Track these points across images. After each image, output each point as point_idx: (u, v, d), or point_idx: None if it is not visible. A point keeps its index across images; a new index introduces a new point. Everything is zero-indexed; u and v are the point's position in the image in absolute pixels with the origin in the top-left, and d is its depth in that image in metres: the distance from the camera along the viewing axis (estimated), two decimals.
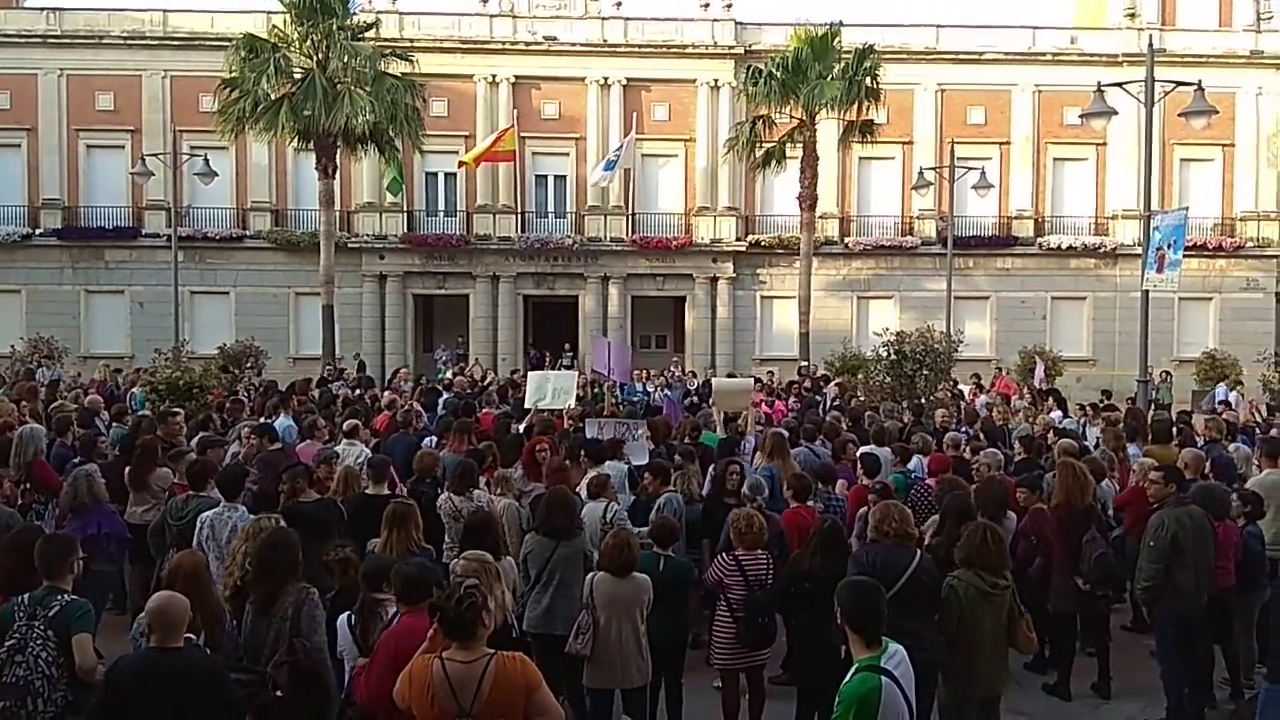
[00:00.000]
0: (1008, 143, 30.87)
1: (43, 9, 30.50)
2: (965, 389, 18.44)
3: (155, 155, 24.96)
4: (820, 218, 28.33)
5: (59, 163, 29.71)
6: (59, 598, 4.72)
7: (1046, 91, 30.52)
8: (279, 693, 4.69)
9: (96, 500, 7.34)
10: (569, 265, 30.24)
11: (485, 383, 18.62)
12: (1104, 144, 30.06)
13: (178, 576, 4.85)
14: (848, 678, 4.16)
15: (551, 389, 12.99)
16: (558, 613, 6.36)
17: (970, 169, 24.11)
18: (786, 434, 9.97)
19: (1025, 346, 25.61)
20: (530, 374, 15.30)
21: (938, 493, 7.72)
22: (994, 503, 7.14)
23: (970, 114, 30.75)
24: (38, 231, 29.49)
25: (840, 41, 25.28)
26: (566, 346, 27.14)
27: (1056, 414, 15.01)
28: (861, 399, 16.06)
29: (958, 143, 27.53)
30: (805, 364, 23.95)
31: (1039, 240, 30.79)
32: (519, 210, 30.18)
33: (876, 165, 30.79)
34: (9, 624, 4.59)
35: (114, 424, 11.63)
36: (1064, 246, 30.69)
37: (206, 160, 23.53)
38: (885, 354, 16.57)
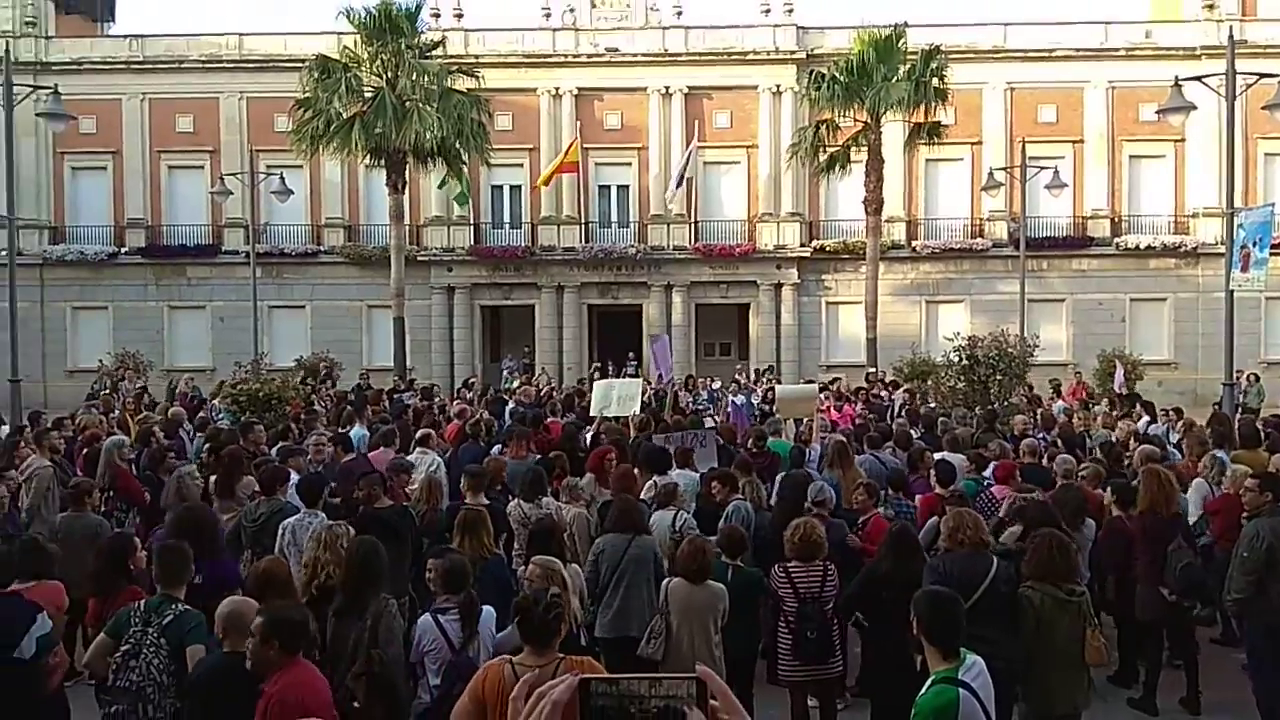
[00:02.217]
0: (1081, 141, 30.05)
1: (126, 36, 31.89)
2: (1045, 395, 17.98)
3: (233, 175, 25.83)
4: (886, 221, 27.96)
5: (142, 184, 30.94)
6: (174, 607, 4.83)
7: (1121, 87, 29.64)
8: (355, 703, 4.79)
9: (182, 500, 7.57)
10: (632, 274, 30.37)
11: (544, 395, 18.77)
12: (1182, 140, 29.05)
13: (261, 582, 4.99)
14: (924, 690, 4.09)
15: (616, 396, 13.03)
16: (632, 613, 6.40)
17: (1042, 169, 23.54)
18: (848, 441, 9.85)
19: (1104, 350, 24.85)
20: (595, 383, 15.39)
21: (1010, 501, 7.52)
22: (1071, 510, 6.95)
23: (1041, 112, 30.03)
24: (123, 250, 30.73)
25: (905, 43, 24.96)
26: (631, 355, 27.23)
27: (1145, 420, 14.45)
28: (932, 405, 15.76)
29: (1029, 142, 26.87)
30: (873, 370, 23.62)
31: (1116, 240, 29.88)
32: (583, 221, 30.42)
33: (944, 167, 30.28)
34: (125, 628, 4.73)
35: (198, 434, 12.04)
36: (1142, 246, 29.73)
37: (282, 178, 24.27)
38: (957, 359, 16.24)
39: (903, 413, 15.17)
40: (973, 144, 29.90)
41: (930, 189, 30.61)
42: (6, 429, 13.23)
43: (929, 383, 18.19)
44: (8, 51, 17.63)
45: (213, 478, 8.50)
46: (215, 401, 15.82)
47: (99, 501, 8.49)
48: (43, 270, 29.90)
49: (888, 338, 26.25)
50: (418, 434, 10.69)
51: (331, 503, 7.90)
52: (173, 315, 30.95)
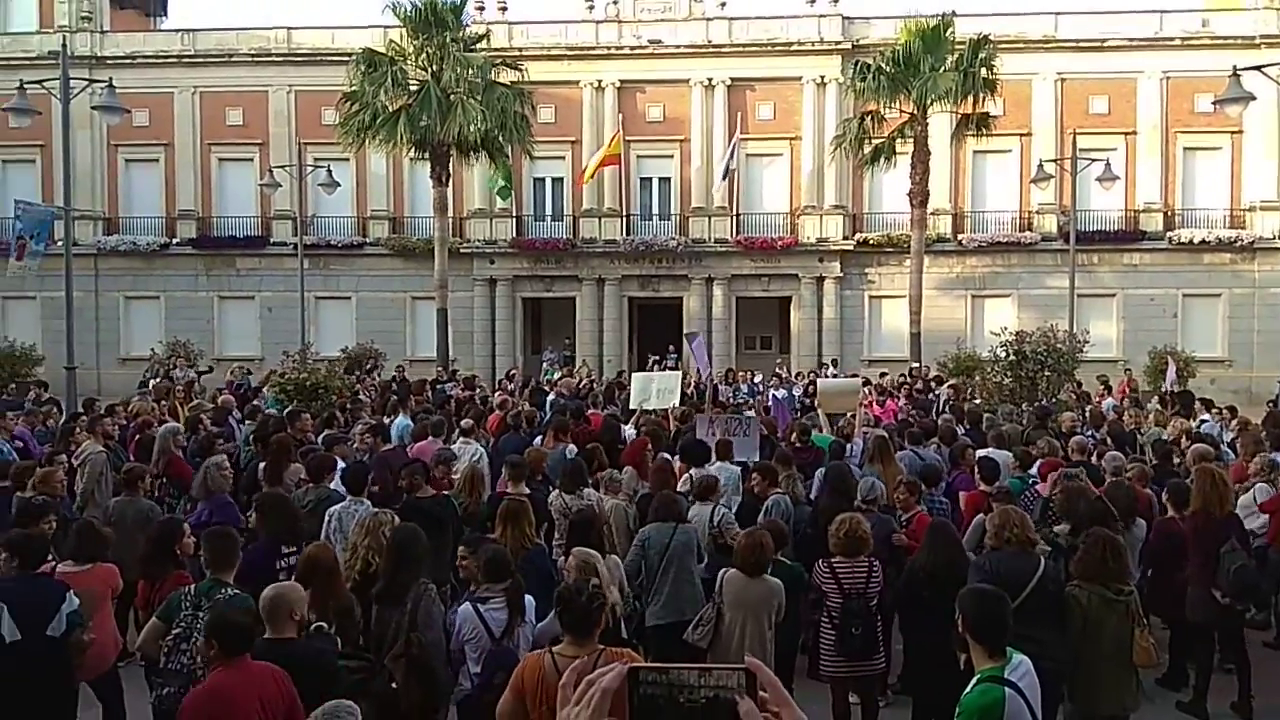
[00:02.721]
0: (1133, 133, 29.35)
1: (177, 30, 32.47)
2: (1094, 391, 17.64)
3: (282, 167, 26.26)
4: (932, 214, 27.58)
5: (193, 176, 31.54)
6: (223, 590, 4.93)
7: (1175, 78, 28.90)
8: (394, 684, 4.86)
9: (209, 491, 7.73)
10: (673, 267, 30.32)
11: (585, 387, 18.84)
12: (1239, 132, 28.26)
13: (309, 568, 5.07)
14: (969, 688, 4.03)
15: (655, 389, 13.07)
16: (684, 599, 6.44)
17: (1093, 161, 23.01)
18: (889, 437, 9.74)
19: (1155, 346, 24.37)
20: (635, 375, 15.43)
21: (1059, 499, 7.38)
22: (1122, 509, 6.81)
23: (1093, 103, 29.38)
24: (175, 241, 31.36)
25: (953, 33, 24.56)
26: (671, 348, 27.19)
27: (1204, 418, 14.07)
28: (978, 401, 15.53)
29: (1079, 133, 26.28)
30: (916, 365, 23.35)
31: (1169, 234, 29.16)
32: (624, 213, 30.43)
33: (992, 159, 29.76)
34: (176, 612, 4.83)
35: (246, 422, 12.26)
36: (1196, 241, 28.98)
37: (329, 171, 24.58)
38: (1004, 354, 15.98)
39: (947, 408, 14.97)
40: (1022, 135, 29.36)
41: (977, 181, 30.13)
42: (63, 414, 13.58)
43: (975, 378, 17.93)
44: (64, 46, 18.04)
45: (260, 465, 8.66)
46: (265, 390, 16.12)
47: (152, 487, 8.70)
48: (97, 260, 30.62)
49: (932, 332, 25.92)
50: (461, 424, 10.80)
51: (372, 491, 8.02)
52: (222, 305, 31.54)
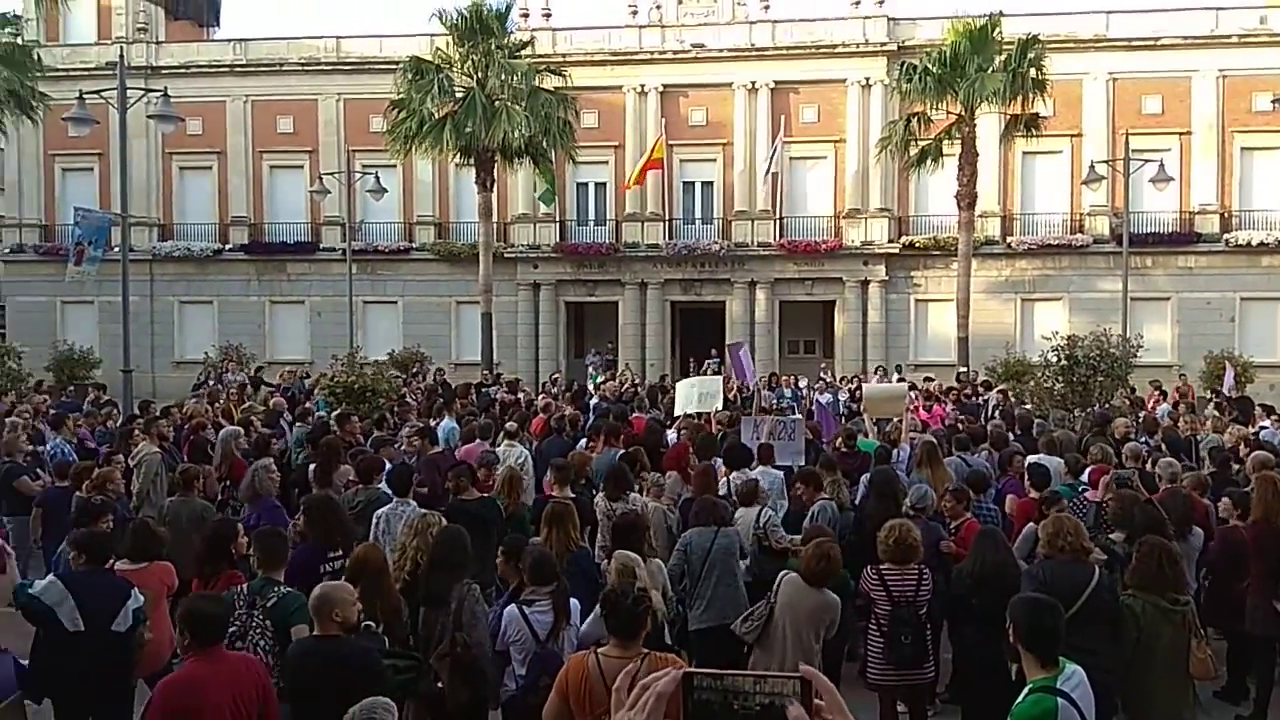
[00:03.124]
0: (1188, 133, 28.67)
1: (230, 40, 33.21)
2: (1147, 396, 17.25)
3: (331, 174, 26.70)
4: (980, 216, 27.19)
5: (245, 183, 32.20)
6: (276, 589, 5.03)
7: (1232, 76, 28.18)
8: (439, 684, 4.90)
9: (256, 494, 7.88)
10: (716, 271, 30.26)
11: (627, 391, 18.88)
12: None
13: (358, 568, 5.14)
14: (1020, 698, 3.97)
15: (698, 394, 13.03)
16: (727, 602, 6.42)
17: (1147, 161, 22.57)
18: (937, 443, 9.60)
19: (1211, 351, 23.74)
20: (678, 384, 15.43)
21: (1113, 506, 7.23)
22: (1179, 518, 6.65)
23: (1146, 103, 28.76)
24: (227, 247, 32.05)
25: (1000, 33, 24.22)
26: (713, 352, 27.13)
27: (1263, 424, 13.68)
28: (1028, 406, 15.27)
29: (1132, 134, 25.77)
30: (964, 369, 23.04)
31: (1225, 236, 28.42)
32: (667, 217, 30.45)
33: (1042, 160, 29.26)
34: (230, 610, 4.90)
35: (297, 424, 12.48)
36: (1254, 243, 28.19)
37: (377, 178, 24.95)
38: (1055, 359, 15.69)
39: (996, 414, 14.74)
40: (1072, 136, 28.83)
41: (1027, 183, 29.65)
42: (120, 416, 13.94)
43: (1025, 383, 17.62)
44: (122, 57, 18.52)
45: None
46: (315, 393, 16.40)
47: (209, 487, 8.89)
48: (152, 266, 31.39)
49: (980, 337, 25.54)
50: (505, 427, 10.89)
51: (419, 492, 8.11)
52: (273, 309, 32.14)
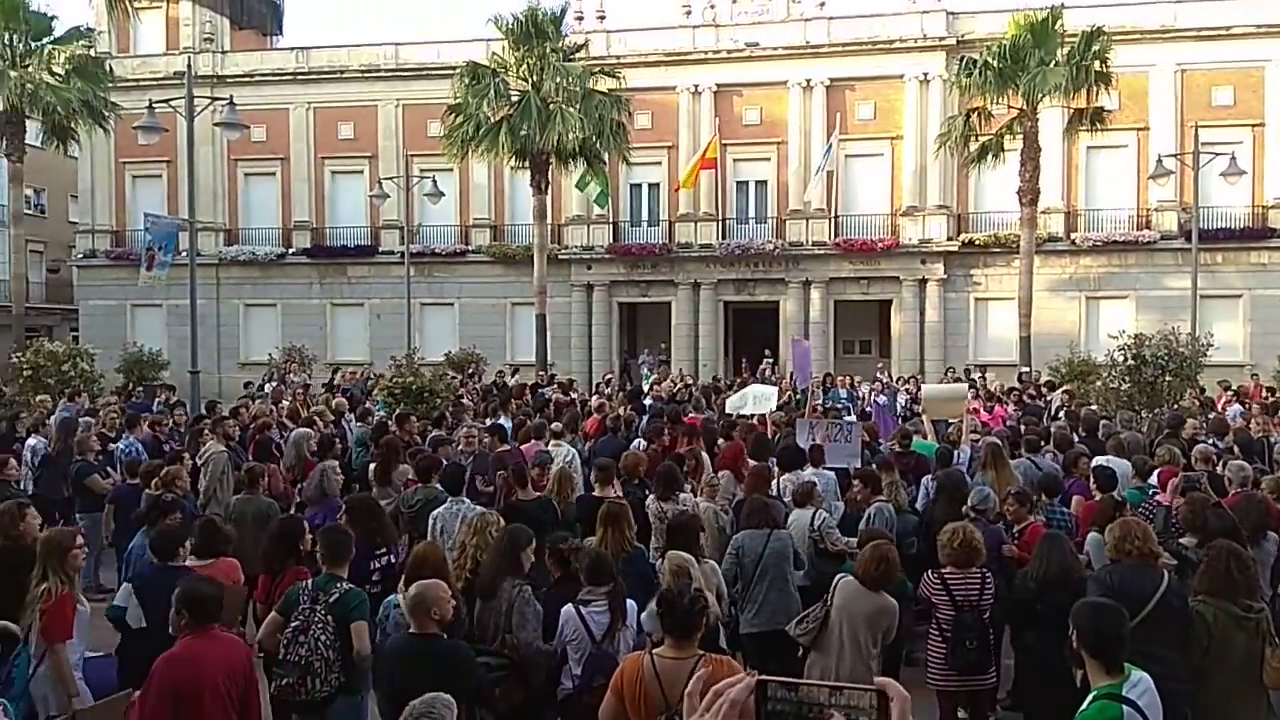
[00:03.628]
0: (1261, 124, 27.67)
1: (292, 49, 33.99)
2: (1219, 397, 16.70)
3: (390, 179, 27.18)
4: (1042, 213, 26.59)
5: (308, 188, 32.94)
6: (338, 585, 5.12)
7: None
8: None
9: (324, 494, 8.04)
10: (769, 270, 30.09)
11: (680, 391, 18.86)
12: None
13: (418, 565, 5.22)
14: (1084, 706, 3.87)
15: (752, 396, 13.02)
16: (779, 607, 6.37)
17: (1217, 155, 21.82)
18: (1001, 444, 9.40)
19: None
20: (732, 392, 15.44)
21: (1184, 510, 7.01)
22: (1253, 524, 6.42)
23: (1216, 95, 27.84)
24: (290, 251, 32.82)
25: (1063, 25, 23.65)
26: (767, 352, 26.98)
27: None
28: (1093, 407, 14.89)
29: (1201, 126, 24.98)
30: (1026, 369, 22.55)
31: None
32: (720, 217, 30.37)
33: (1106, 155, 28.50)
34: (295, 605, 5.04)
35: (358, 424, 12.73)
36: None
37: (434, 182, 25.32)
38: (1121, 358, 15.28)
39: (1061, 415, 14.39)
40: (1139, 130, 28.05)
41: (1091, 178, 28.91)
42: (187, 416, 14.35)
43: (1095, 384, 17.17)
44: (189, 67, 19.11)
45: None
46: (375, 393, 16.70)
47: (290, 490, 9.11)
48: (218, 270, 32.27)
49: (1043, 336, 24.99)
50: (551, 427, 10.95)
51: (486, 491, 8.20)
52: (334, 312, 32.81)
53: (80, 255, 34.35)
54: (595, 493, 7.93)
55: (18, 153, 24.83)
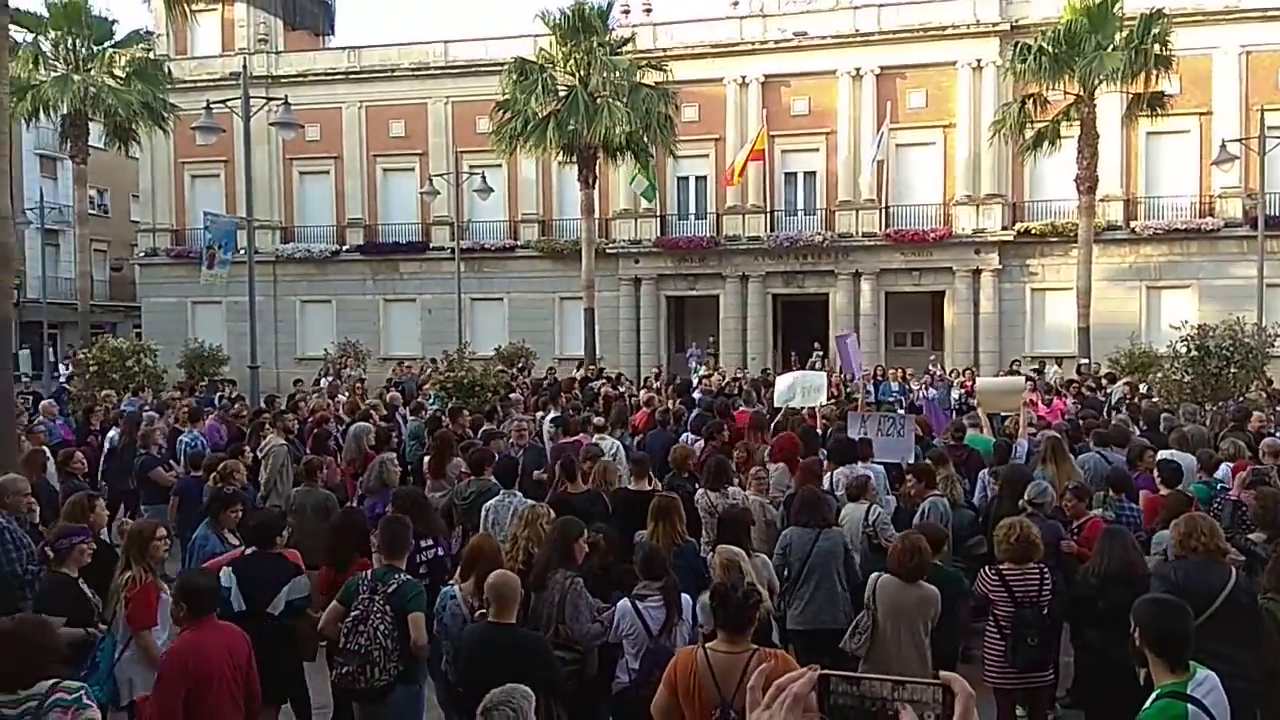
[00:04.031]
0: None
1: (344, 48, 34.52)
2: None
3: (440, 175, 27.49)
4: (1101, 201, 25.97)
5: (360, 186, 33.45)
6: (397, 576, 5.22)
7: None
8: None
9: (384, 485, 8.17)
10: (818, 262, 29.82)
11: (728, 384, 18.81)
12: None
13: (473, 557, 5.29)
14: (1148, 704, 3.79)
15: (800, 388, 12.86)
16: (822, 607, 6.31)
17: None
18: (1062, 437, 9.19)
19: None
20: (779, 377, 15.27)
21: (1255, 506, 6.80)
22: None
23: None
24: (344, 248, 33.37)
25: (1121, 8, 23.04)
26: (816, 345, 26.76)
27: None
28: (1155, 400, 14.52)
29: (1268, 110, 24.12)
30: (1085, 361, 22.07)
31: None
32: (768, 209, 30.18)
33: (1167, 140, 27.72)
34: (354, 596, 5.14)
35: (411, 418, 12.91)
36: None
37: (484, 178, 25.54)
38: (1184, 349, 14.88)
39: (1121, 408, 14.06)
40: (1201, 114, 27.23)
41: (1151, 165, 28.16)
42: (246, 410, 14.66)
43: (1157, 376, 16.73)
44: (245, 68, 19.48)
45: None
46: (426, 388, 16.92)
47: (349, 483, 9.28)
48: (275, 267, 32.93)
49: (1102, 326, 24.41)
50: (594, 421, 10.98)
51: (538, 483, 8.26)
52: (387, 307, 33.31)
53: (142, 254, 35.32)
54: (631, 486, 7.94)
55: (81, 154, 25.59)
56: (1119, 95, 23.59)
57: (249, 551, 5.84)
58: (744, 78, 29.99)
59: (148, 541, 5.52)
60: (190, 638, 4.55)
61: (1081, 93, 23.34)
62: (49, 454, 9.77)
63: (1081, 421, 11.59)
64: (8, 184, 8.57)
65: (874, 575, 5.86)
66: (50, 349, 31.98)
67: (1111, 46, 22.61)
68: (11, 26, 9.78)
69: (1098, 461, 8.90)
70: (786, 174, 30.64)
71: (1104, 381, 18.06)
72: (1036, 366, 22.75)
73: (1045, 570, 6.05)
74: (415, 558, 6.26)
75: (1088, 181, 23.99)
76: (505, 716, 3.55)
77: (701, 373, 22.26)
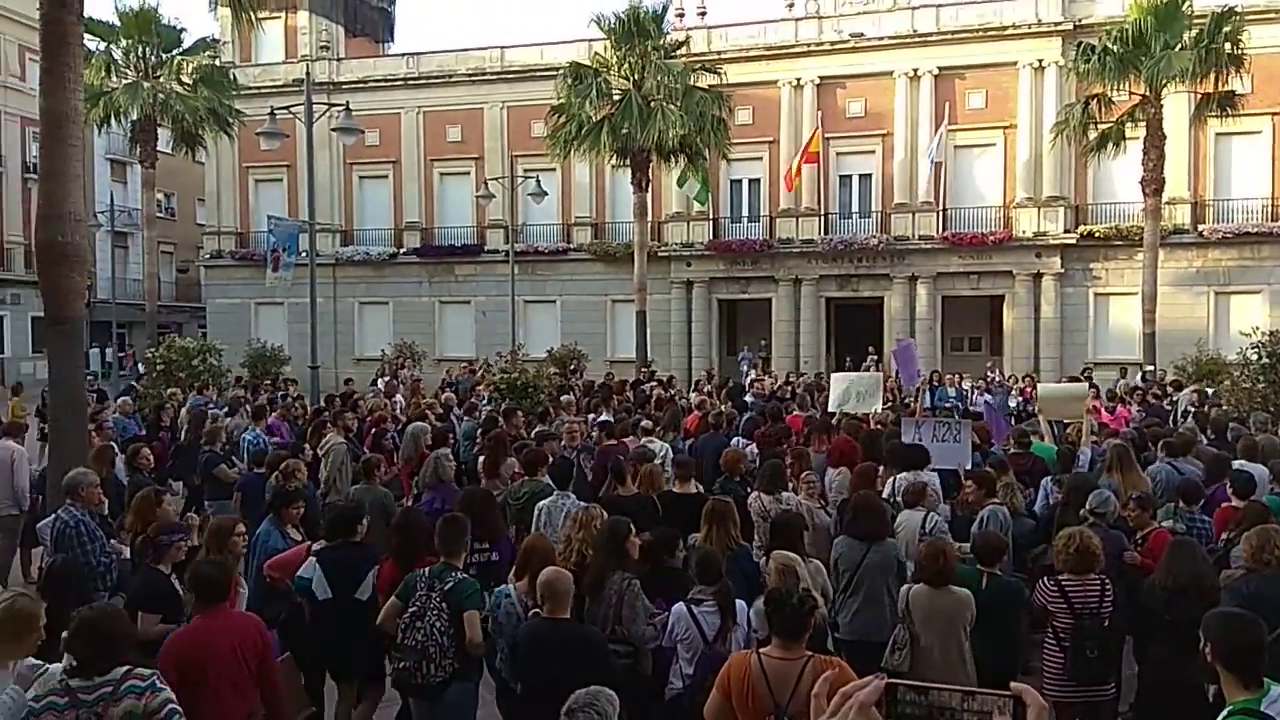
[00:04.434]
0: None
1: (403, 55, 35.07)
2: None
3: (495, 179, 27.77)
4: (1167, 203, 25.27)
5: (418, 190, 33.96)
6: (453, 574, 5.29)
7: None
8: None
9: (439, 480, 8.28)
10: (873, 266, 29.49)
11: (780, 389, 18.67)
12: None
13: (527, 556, 5.33)
14: None
15: (855, 392, 12.72)
16: (870, 620, 6.22)
17: None
18: (1129, 446, 8.94)
19: None
20: (834, 376, 15.08)
21: None
22: None
23: None
24: (401, 251, 33.91)
25: (1190, 6, 22.42)
26: (870, 349, 26.46)
27: None
28: (1224, 408, 14.08)
29: None
30: (1150, 368, 21.49)
31: None
32: (822, 212, 29.93)
33: (1238, 141, 26.85)
34: (413, 592, 5.23)
35: (466, 418, 13.06)
36: None
37: (538, 181, 25.76)
38: (1255, 356, 14.42)
39: (1189, 416, 13.65)
40: (1273, 114, 26.32)
41: (1221, 166, 27.31)
42: (307, 410, 14.98)
43: (1223, 384, 16.24)
44: (308, 74, 19.93)
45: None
46: (480, 389, 17.10)
47: (406, 482, 9.43)
48: (335, 269, 33.58)
49: (1168, 332, 23.74)
50: (641, 424, 10.97)
51: (589, 484, 8.29)
52: (442, 309, 33.76)
53: (207, 256, 36.28)
54: (675, 489, 7.92)
55: (150, 159, 26.40)
56: (1187, 95, 22.96)
57: (321, 545, 5.99)
58: (799, 80, 29.80)
59: (228, 536, 5.73)
60: (193, 626, 4.69)
61: (1148, 93, 22.75)
62: (117, 449, 10.09)
63: (1146, 430, 11.27)
64: (81, 187, 8.87)
65: (905, 587, 5.77)
66: (109, 349, 32.92)
67: (1180, 46, 22.02)
68: (85, 35, 10.12)
69: (1169, 473, 8.63)
70: (841, 176, 30.36)
71: (1169, 389, 17.56)
72: (1087, 371, 22.22)
73: (1106, 581, 5.89)
74: (470, 559, 6.31)
75: (1154, 183, 23.36)
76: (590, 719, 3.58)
77: (751, 376, 22.15)
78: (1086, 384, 15.32)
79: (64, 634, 3.85)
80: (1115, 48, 22.50)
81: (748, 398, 16.79)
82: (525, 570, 5.26)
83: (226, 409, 14.07)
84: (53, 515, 6.80)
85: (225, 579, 4.81)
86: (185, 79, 26.33)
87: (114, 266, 36.09)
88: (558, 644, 4.64)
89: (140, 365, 27.99)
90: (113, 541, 6.67)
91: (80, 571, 6.14)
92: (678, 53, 25.40)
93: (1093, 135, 23.78)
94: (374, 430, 11.00)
